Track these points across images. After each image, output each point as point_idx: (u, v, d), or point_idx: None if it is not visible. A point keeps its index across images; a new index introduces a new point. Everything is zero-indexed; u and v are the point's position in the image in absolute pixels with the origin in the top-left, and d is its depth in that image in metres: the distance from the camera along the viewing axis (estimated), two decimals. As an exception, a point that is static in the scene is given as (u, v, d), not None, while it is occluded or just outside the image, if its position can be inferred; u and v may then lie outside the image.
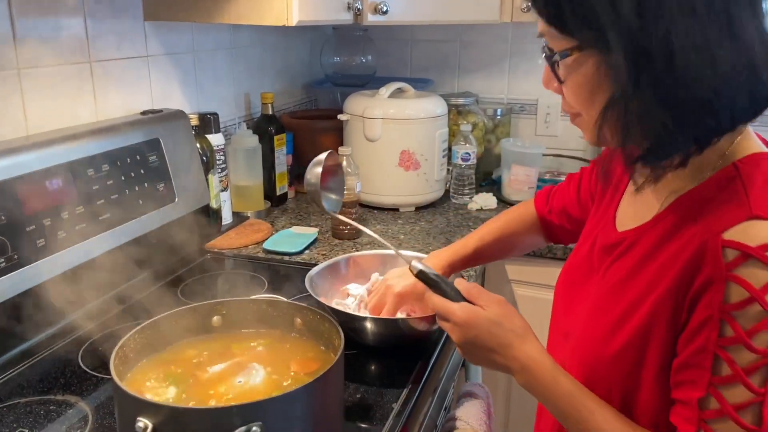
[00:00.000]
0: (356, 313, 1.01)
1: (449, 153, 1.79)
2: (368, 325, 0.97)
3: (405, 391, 0.90)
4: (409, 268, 0.83)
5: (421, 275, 0.82)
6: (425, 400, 0.93)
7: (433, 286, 0.81)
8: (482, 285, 1.58)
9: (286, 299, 0.91)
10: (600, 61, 0.63)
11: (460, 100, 1.90)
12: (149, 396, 0.72)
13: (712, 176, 0.67)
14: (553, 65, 0.67)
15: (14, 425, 0.82)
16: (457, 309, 0.77)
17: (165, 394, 0.75)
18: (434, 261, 1.05)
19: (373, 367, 0.97)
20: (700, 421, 0.62)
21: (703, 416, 0.62)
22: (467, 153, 1.75)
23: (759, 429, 0.59)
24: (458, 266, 1.07)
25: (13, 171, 0.96)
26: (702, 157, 0.66)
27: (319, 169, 0.91)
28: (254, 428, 0.63)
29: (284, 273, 1.32)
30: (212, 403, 0.72)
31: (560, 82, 0.68)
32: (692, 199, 0.67)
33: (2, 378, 0.92)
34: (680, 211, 0.68)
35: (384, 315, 1.00)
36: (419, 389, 0.92)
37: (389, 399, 0.89)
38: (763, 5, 0.63)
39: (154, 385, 0.76)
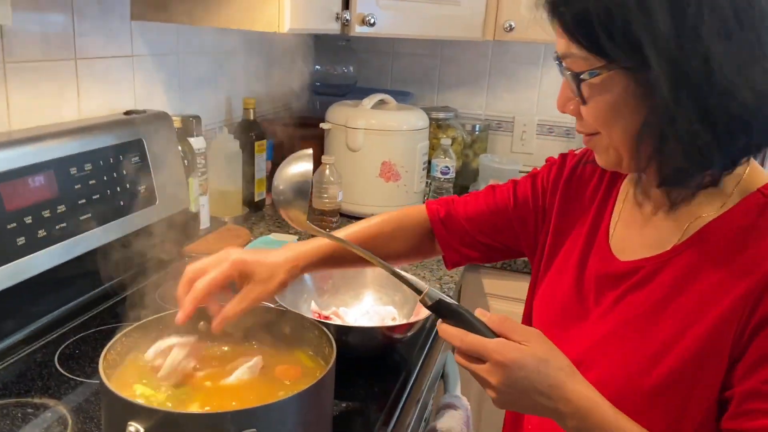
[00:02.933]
0: (334, 322, 1.01)
1: (428, 166, 1.81)
2: (342, 333, 0.94)
3: (389, 402, 0.91)
4: (423, 299, 0.70)
5: (434, 307, 0.69)
6: (409, 410, 0.93)
7: (456, 319, 0.68)
8: (458, 298, 1.60)
9: (273, 306, 0.91)
10: (629, 80, 0.63)
11: (441, 114, 1.93)
12: (139, 400, 0.71)
13: (739, 203, 0.68)
14: (579, 85, 0.66)
15: (-11, 428, 0.80)
16: (496, 346, 0.65)
17: (152, 398, 0.73)
18: (291, 255, 0.84)
19: (357, 378, 0.97)
20: None
21: None
22: (446, 167, 1.78)
23: None
24: (316, 266, 0.87)
25: (-5, 166, 0.93)
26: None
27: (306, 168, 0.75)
28: (248, 435, 0.63)
29: (264, 280, 1.31)
30: (195, 407, 0.72)
31: (584, 102, 0.67)
32: (723, 227, 0.68)
33: (-25, 379, 0.90)
34: (712, 239, 0.68)
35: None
36: (403, 400, 0.92)
37: (374, 409, 0.89)
38: None
39: (141, 389, 0.74)
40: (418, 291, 0.71)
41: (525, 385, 0.65)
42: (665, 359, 0.68)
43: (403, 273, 0.74)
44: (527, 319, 0.90)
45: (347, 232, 0.94)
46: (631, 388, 0.69)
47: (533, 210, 0.91)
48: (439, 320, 0.70)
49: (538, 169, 0.94)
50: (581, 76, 0.66)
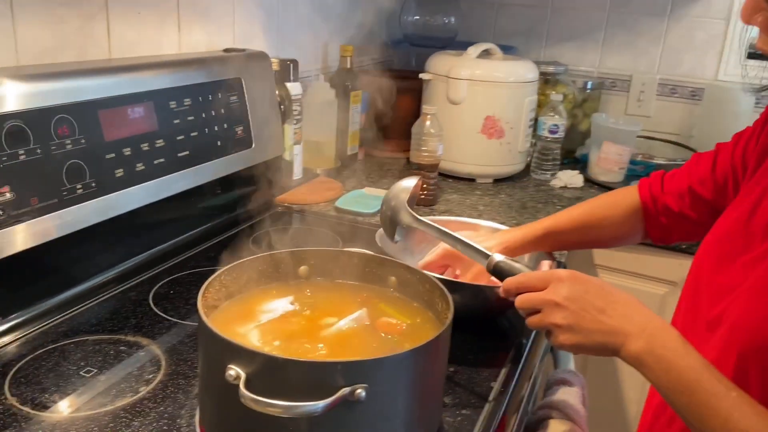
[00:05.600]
0: (444, 277, 0.92)
1: (534, 124, 1.66)
2: (451, 290, 0.86)
3: (504, 371, 0.81)
4: (487, 264, 0.75)
5: (496, 271, 0.74)
6: (524, 381, 0.83)
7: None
8: (565, 264, 1.46)
9: (381, 255, 0.82)
10: None
11: (551, 68, 1.77)
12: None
13: None
14: None
15: (81, 363, 0.76)
16: (557, 270, 0.69)
17: (250, 339, 0.67)
18: (502, 239, 0.94)
19: (463, 342, 0.88)
20: None
21: None
22: (555, 125, 1.63)
23: None
24: (526, 248, 0.96)
25: (95, 92, 0.89)
26: None
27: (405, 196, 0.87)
28: (359, 390, 0.55)
29: (357, 233, 1.23)
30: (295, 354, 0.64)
31: None
32: None
33: (70, 312, 0.87)
34: None
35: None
36: (518, 371, 0.82)
37: (486, 377, 0.79)
38: None
39: (239, 332, 0.68)
40: (485, 256, 0.76)
41: (586, 300, 0.65)
42: None
43: (468, 241, 0.79)
44: None
45: (557, 218, 0.96)
46: (761, 343, 0.60)
47: (733, 177, 0.80)
48: None
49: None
50: None
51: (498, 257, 0.75)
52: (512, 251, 0.93)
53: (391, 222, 0.89)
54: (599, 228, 0.95)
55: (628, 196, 0.93)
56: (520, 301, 0.69)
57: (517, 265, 0.73)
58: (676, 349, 0.61)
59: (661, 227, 0.91)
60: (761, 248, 0.66)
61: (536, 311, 0.68)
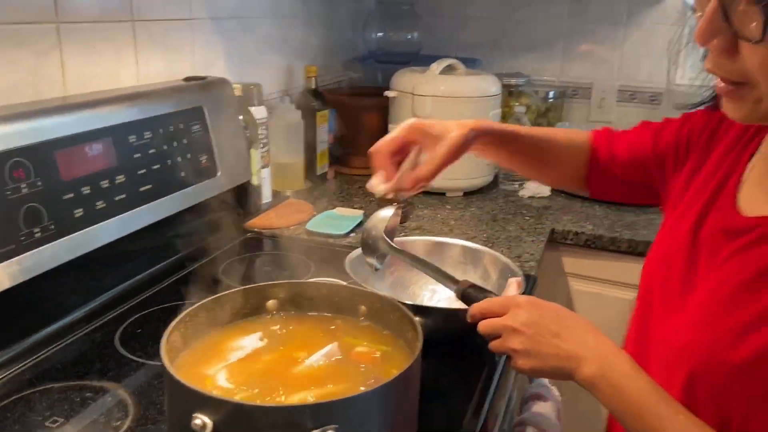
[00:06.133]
0: (414, 303, 0.92)
1: (500, 136, 1.68)
2: (421, 315, 0.86)
3: (478, 392, 0.81)
4: (456, 290, 0.77)
5: (465, 296, 0.75)
6: (498, 401, 0.83)
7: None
8: (535, 276, 1.48)
9: (346, 284, 0.82)
10: None
11: (513, 80, 1.79)
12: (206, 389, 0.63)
13: None
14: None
15: (47, 413, 0.74)
16: (517, 297, 0.73)
17: (219, 383, 0.66)
18: (478, 121, 0.87)
19: (437, 365, 0.88)
20: None
21: None
22: (521, 136, 1.64)
23: None
24: (489, 138, 0.89)
25: (51, 132, 0.87)
26: None
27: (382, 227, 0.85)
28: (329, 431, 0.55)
29: (329, 256, 1.22)
30: (264, 395, 0.64)
31: (761, 40, 0.51)
32: None
33: (34, 359, 0.85)
34: None
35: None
36: (492, 390, 0.82)
37: (461, 399, 0.79)
38: None
39: (208, 373, 0.67)
40: (455, 283, 0.77)
41: (541, 325, 0.67)
42: (755, 334, 0.57)
43: (440, 268, 0.81)
44: None
45: (523, 127, 0.96)
46: (715, 361, 0.60)
47: (674, 154, 0.82)
48: None
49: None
50: None
51: (466, 284, 0.76)
52: (482, 132, 0.86)
53: (371, 252, 0.89)
54: (552, 150, 0.94)
55: (583, 138, 0.95)
56: (482, 326, 0.72)
57: (482, 290, 0.74)
58: (626, 373, 0.64)
59: (600, 183, 0.93)
60: (708, 263, 0.67)
61: (498, 336, 0.70)
